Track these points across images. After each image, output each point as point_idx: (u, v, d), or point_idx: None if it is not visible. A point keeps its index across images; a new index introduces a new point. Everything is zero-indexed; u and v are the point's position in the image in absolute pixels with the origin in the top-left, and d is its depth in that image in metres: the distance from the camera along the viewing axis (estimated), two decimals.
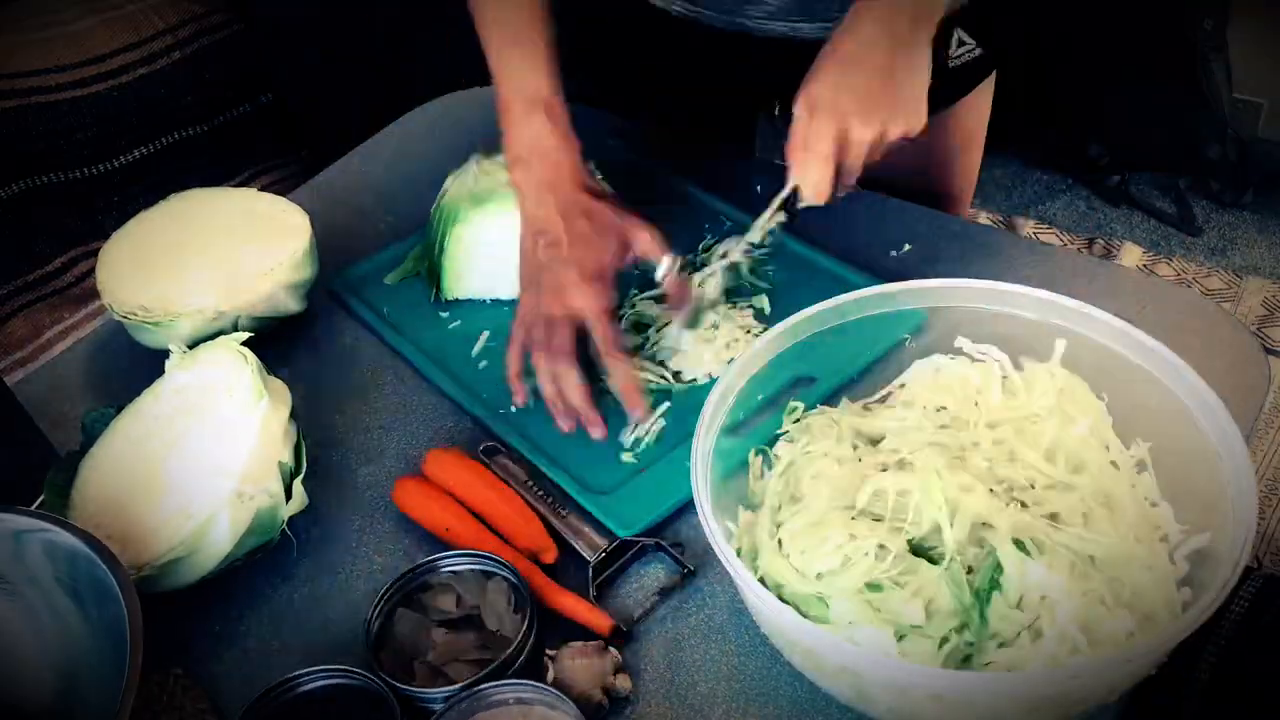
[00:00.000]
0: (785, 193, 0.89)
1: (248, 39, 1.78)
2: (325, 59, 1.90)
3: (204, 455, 0.87)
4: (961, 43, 1.12)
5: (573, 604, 0.84)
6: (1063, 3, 2.34)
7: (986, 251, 1.13)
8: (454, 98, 1.43)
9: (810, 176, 0.85)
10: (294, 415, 0.91)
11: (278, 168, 1.82)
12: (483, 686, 0.76)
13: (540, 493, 0.92)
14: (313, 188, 1.33)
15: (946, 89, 1.13)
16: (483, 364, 1.05)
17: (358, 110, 1.52)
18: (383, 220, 1.26)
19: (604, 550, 0.87)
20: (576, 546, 0.88)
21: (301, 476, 0.89)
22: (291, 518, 0.88)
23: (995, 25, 1.14)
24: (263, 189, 1.19)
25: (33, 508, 0.82)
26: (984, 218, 2.50)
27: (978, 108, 1.25)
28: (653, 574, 0.87)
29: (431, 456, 0.94)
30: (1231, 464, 0.73)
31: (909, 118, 0.84)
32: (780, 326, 0.86)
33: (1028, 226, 2.50)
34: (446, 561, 0.86)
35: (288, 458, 0.88)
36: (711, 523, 0.74)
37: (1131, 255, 2.40)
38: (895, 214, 1.18)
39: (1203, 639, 1.24)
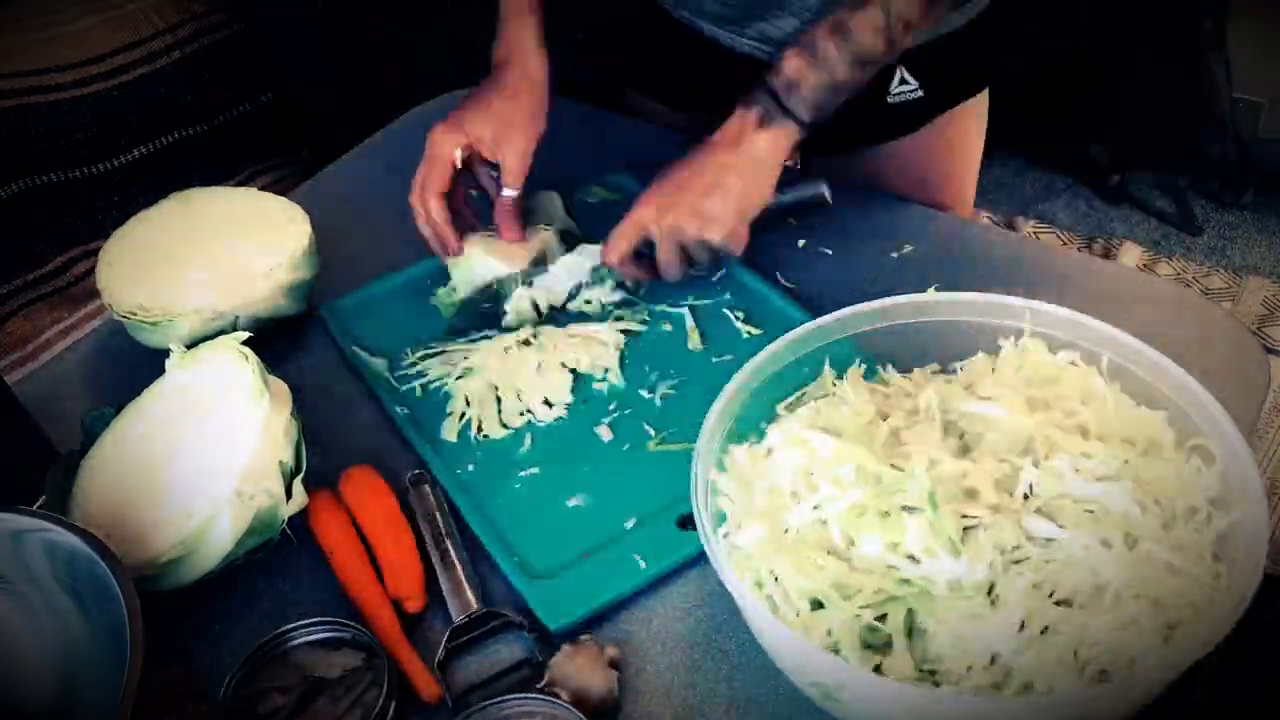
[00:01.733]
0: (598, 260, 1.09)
1: (248, 39, 1.78)
2: (325, 59, 1.90)
3: (204, 455, 0.87)
4: (904, 81, 1.14)
5: (408, 661, 0.82)
6: (1063, 3, 2.33)
7: (987, 251, 1.13)
8: (455, 97, 1.43)
9: (610, 247, 1.05)
10: (294, 414, 0.91)
11: (278, 167, 1.82)
12: (487, 703, 0.76)
13: (440, 536, 0.89)
14: (313, 187, 1.33)
15: (883, 124, 1.19)
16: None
17: (358, 110, 1.52)
18: (382, 220, 1.26)
19: (469, 615, 0.84)
20: (448, 603, 0.85)
21: (302, 476, 0.89)
22: (292, 517, 0.88)
23: (941, 70, 1.15)
24: (263, 189, 1.18)
25: (33, 508, 0.82)
26: (984, 217, 2.49)
27: (962, 133, 1.26)
28: (508, 651, 0.84)
29: (349, 475, 0.94)
30: (1245, 505, 0.72)
31: (721, 230, 1.00)
32: (788, 337, 0.87)
33: (1028, 226, 2.50)
34: (301, 633, 0.84)
35: (288, 457, 0.88)
36: (711, 533, 0.75)
37: (1131, 255, 2.40)
38: (896, 214, 1.18)
39: None
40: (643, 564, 0.86)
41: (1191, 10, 2.28)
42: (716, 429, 0.82)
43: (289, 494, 0.87)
